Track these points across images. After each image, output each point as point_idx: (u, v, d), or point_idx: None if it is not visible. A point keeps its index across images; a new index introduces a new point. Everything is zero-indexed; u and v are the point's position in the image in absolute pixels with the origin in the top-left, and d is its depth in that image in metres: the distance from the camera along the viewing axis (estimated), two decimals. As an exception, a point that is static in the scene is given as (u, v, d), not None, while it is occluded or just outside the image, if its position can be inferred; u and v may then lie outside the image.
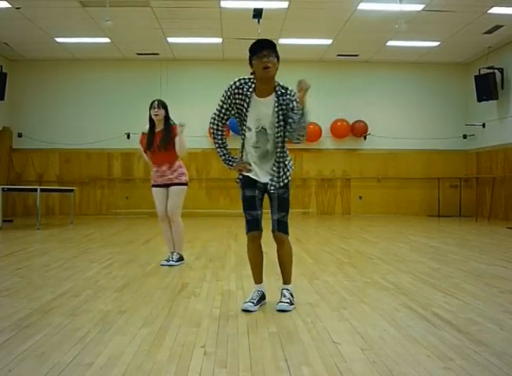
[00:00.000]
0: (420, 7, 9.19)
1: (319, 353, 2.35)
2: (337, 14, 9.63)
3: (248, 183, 3.28)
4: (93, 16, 9.52)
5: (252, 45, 3.09)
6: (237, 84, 3.15)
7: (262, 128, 3.15)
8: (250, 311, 3.14)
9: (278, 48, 3.13)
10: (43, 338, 2.55)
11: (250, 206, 3.28)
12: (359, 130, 12.83)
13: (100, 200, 12.64)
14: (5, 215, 10.10)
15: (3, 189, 8.96)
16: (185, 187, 5.06)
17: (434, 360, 2.25)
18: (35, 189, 9.11)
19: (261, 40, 3.10)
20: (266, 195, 3.32)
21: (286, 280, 3.36)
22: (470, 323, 2.86)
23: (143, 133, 5.03)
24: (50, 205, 12.57)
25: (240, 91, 3.13)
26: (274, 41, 3.16)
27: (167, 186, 5.00)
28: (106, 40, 11.17)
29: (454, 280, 4.12)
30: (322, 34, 10.96)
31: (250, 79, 3.17)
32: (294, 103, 3.11)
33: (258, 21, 9.78)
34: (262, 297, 3.31)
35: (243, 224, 3.34)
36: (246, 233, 3.33)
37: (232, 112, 3.21)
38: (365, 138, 12.95)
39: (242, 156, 3.29)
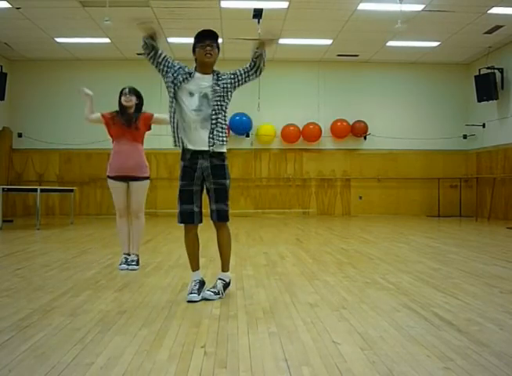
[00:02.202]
0: (420, 7, 9.19)
1: (319, 353, 2.35)
2: (337, 14, 9.63)
3: (188, 175, 3.45)
4: (93, 16, 9.52)
5: (197, 34, 3.44)
6: (181, 63, 3.49)
7: (205, 94, 3.42)
8: (195, 301, 3.33)
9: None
10: (43, 338, 2.55)
11: (188, 199, 3.45)
12: (359, 130, 12.84)
13: (100, 200, 12.64)
14: (5, 215, 10.10)
15: (3, 189, 8.96)
16: (149, 181, 4.79)
17: (434, 360, 2.25)
18: (35, 190, 9.11)
19: (205, 30, 3.45)
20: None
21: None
22: (470, 323, 2.86)
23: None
24: (50, 205, 12.57)
25: (184, 67, 3.47)
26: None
27: (127, 178, 4.64)
28: (106, 40, 11.18)
29: (454, 280, 4.12)
30: (322, 34, 10.96)
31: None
32: (232, 76, 3.51)
33: (258, 21, 9.78)
34: (202, 284, 3.53)
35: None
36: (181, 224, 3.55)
37: (170, 74, 3.43)
38: (365, 138, 12.95)
39: (174, 126, 3.44)
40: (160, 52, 3.44)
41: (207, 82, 3.44)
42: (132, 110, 4.68)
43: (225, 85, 3.46)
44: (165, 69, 3.45)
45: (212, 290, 3.48)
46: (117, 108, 4.74)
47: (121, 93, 4.69)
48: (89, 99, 4.82)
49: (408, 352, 2.36)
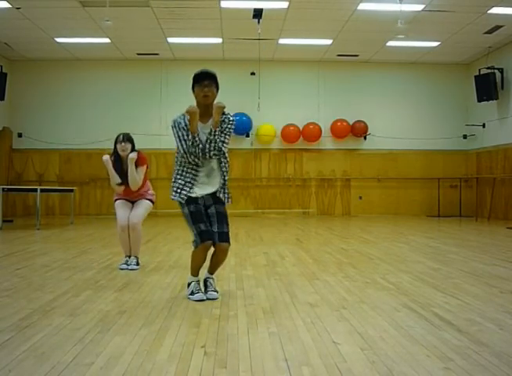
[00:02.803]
0: (420, 7, 9.20)
1: (319, 353, 2.35)
2: (337, 14, 9.63)
3: (191, 200, 3.49)
4: (93, 16, 9.52)
5: (196, 75, 3.45)
6: (179, 119, 3.47)
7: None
8: (203, 300, 3.40)
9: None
10: (43, 338, 2.55)
11: (199, 218, 3.47)
12: (359, 130, 12.84)
13: (100, 200, 12.64)
14: (5, 215, 10.10)
15: (3, 189, 8.96)
16: (152, 204, 5.03)
17: (434, 360, 2.25)
18: (35, 190, 9.12)
19: (204, 71, 3.46)
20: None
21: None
22: (470, 323, 2.86)
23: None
24: (50, 205, 12.57)
25: (184, 121, 3.44)
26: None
27: (133, 200, 4.93)
28: (106, 40, 11.18)
29: (454, 280, 4.12)
30: (322, 34, 10.96)
31: (183, 115, 3.49)
32: (229, 130, 3.51)
33: (258, 21, 9.78)
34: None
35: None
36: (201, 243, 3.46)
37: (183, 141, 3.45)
38: (365, 138, 12.95)
39: (181, 179, 3.50)
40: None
41: (204, 137, 3.45)
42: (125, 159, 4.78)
43: (219, 138, 3.46)
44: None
45: (212, 289, 3.55)
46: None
47: (116, 141, 4.78)
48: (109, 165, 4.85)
49: (408, 352, 2.36)
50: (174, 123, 3.48)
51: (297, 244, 6.85)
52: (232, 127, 3.53)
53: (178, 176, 3.52)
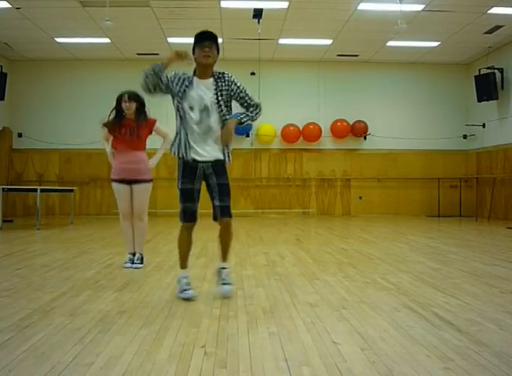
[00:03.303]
0: (420, 7, 9.20)
1: (319, 353, 2.35)
2: (337, 14, 9.63)
3: (189, 173, 3.44)
4: (93, 16, 9.52)
5: (197, 35, 3.41)
6: (177, 72, 3.46)
7: (205, 105, 3.41)
8: (194, 296, 3.39)
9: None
10: (43, 338, 2.55)
11: (190, 197, 3.46)
12: (359, 130, 12.84)
13: (100, 200, 12.64)
14: (5, 215, 10.10)
15: (3, 189, 8.96)
16: (151, 184, 4.80)
17: (434, 360, 2.25)
18: (35, 190, 9.11)
19: (204, 31, 3.42)
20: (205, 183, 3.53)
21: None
22: (470, 323, 2.86)
23: (105, 124, 4.70)
24: (50, 205, 12.57)
25: (182, 75, 3.44)
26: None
27: (130, 182, 4.68)
28: (106, 40, 11.18)
29: (454, 280, 4.12)
30: (322, 34, 10.96)
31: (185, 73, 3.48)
32: (233, 86, 3.45)
33: (258, 21, 9.78)
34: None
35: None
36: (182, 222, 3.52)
37: (173, 87, 3.42)
38: (365, 138, 12.95)
39: (179, 136, 3.45)
40: (163, 78, 3.41)
41: (207, 93, 3.41)
42: (133, 117, 4.63)
43: (223, 93, 3.43)
44: (169, 86, 3.43)
45: (225, 282, 3.55)
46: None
47: (120, 99, 4.57)
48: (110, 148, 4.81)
49: (408, 352, 2.36)
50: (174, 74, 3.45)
51: (297, 244, 6.85)
52: (238, 82, 3.49)
53: (176, 135, 3.49)
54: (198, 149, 3.41)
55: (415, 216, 12.65)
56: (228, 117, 3.45)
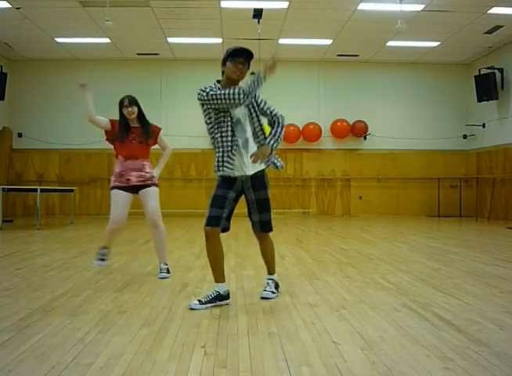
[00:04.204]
0: (420, 7, 9.20)
1: (319, 353, 2.35)
2: (337, 14, 9.63)
3: (226, 183, 3.39)
4: (93, 16, 9.52)
5: (234, 49, 3.31)
6: (207, 89, 3.31)
7: (237, 119, 3.35)
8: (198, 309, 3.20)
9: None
10: (43, 338, 2.55)
11: (220, 204, 3.37)
12: (359, 130, 12.84)
13: (100, 200, 12.63)
14: (5, 215, 10.10)
15: (3, 189, 8.96)
16: (158, 189, 4.57)
17: (434, 360, 2.25)
18: (35, 190, 9.12)
19: (244, 48, 3.32)
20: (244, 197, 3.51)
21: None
22: (470, 323, 2.86)
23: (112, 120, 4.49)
24: (50, 205, 12.58)
25: (212, 92, 3.28)
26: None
27: (135, 188, 4.43)
28: (106, 40, 11.18)
29: (454, 280, 4.12)
30: (322, 34, 10.96)
31: (214, 84, 3.35)
32: (256, 99, 3.43)
33: (258, 21, 9.78)
34: (218, 298, 3.32)
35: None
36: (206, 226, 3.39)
37: (211, 114, 3.33)
38: (365, 138, 12.95)
39: (222, 154, 3.33)
40: None
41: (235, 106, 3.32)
42: (136, 122, 4.48)
43: (249, 106, 3.37)
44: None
45: (269, 289, 3.53)
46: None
47: (121, 105, 4.42)
48: (89, 95, 4.41)
49: (408, 352, 2.36)
50: (205, 93, 3.30)
51: (297, 244, 6.85)
52: (258, 96, 3.45)
53: (217, 149, 3.36)
54: (237, 163, 3.35)
55: (415, 216, 12.65)
56: (260, 129, 3.41)
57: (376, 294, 3.65)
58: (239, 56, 3.29)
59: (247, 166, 3.39)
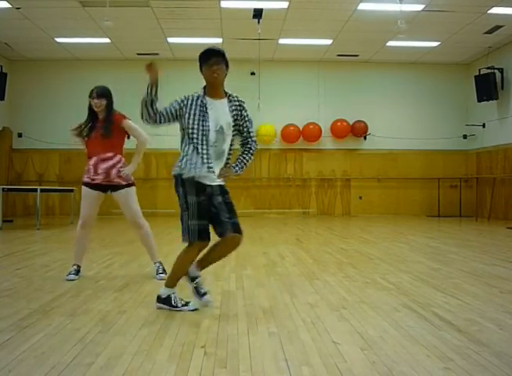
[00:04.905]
0: (420, 7, 9.20)
1: (319, 353, 2.35)
2: (337, 14, 9.63)
3: (197, 188, 3.17)
4: (93, 16, 9.52)
5: (202, 54, 3.22)
6: (186, 95, 3.27)
7: (221, 127, 3.23)
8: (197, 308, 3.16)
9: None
10: (43, 338, 2.55)
11: (204, 214, 3.15)
12: (359, 130, 12.84)
13: (100, 200, 12.62)
14: (5, 215, 10.10)
15: (3, 189, 8.96)
16: (134, 188, 4.30)
17: (434, 360, 2.25)
18: (35, 190, 9.12)
19: (210, 49, 3.22)
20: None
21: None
22: (470, 323, 2.86)
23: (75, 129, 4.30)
24: (50, 205, 12.58)
25: (192, 97, 3.24)
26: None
27: (106, 188, 4.21)
28: (106, 40, 11.18)
29: (454, 280, 4.12)
30: (322, 34, 10.96)
31: (196, 92, 3.28)
32: (243, 111, 3.32)
33: (258, 21, 9.78)
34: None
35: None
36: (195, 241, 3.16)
37: (190, 113, 3.20)
38: (365, 138, 12.95)
39: (189, 157, 3.18)
40: (161, 109, 3.18)
41: (222, 114, 3.23)
42: (103, 115, 4.18)
43: (235, 116, 3.28)
44: (183, 111, 3.22)
45: (205, 291, 3.32)
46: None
47: (90, 96, 4.16)
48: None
49: (408, 352, 2.36)
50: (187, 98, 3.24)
51: (297, 244, 6.85)
52: (246, 109, 3.35)
53: (186, 154, 3.19)
54: (205, 171, 3.17)
55: (415, 216, 12.65)
56: (232, 146, 3.29)
57: (376, 294, 3.65)
58: (209, 58, 3.20)
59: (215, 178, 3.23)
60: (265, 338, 2.60)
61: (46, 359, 2.24)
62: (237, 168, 3.29)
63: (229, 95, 3.33)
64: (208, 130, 3.18)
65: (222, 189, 3.27)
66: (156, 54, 12.38)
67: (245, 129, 3.34)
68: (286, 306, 3.28)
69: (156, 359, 2.28)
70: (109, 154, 4.17)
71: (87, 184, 4.20)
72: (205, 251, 3.26)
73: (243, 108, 3.34)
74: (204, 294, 3.28)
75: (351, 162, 13.09)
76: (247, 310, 3.18)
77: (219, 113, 3.23)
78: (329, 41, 11.43)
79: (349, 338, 2.59)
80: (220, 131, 3.22)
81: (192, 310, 3.16)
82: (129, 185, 4.25)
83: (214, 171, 3.18)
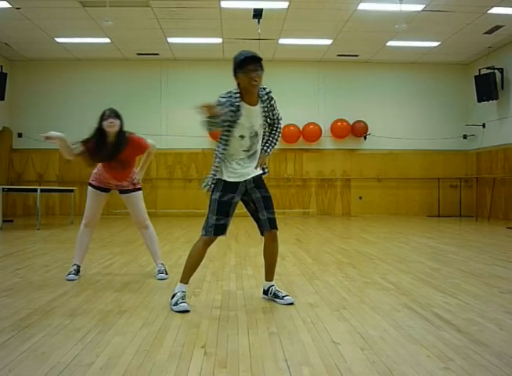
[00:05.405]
0: (420, 7, 9.20)
1: (319, 353, 2.35)
2: (337, 14, 9.63)
3: (230, 188, 3.23)
4: (93, 16, 9.52)
5: (240, 60, 3.13)
6: (227, 95, 3.19)
7: (255, 132, 3.26)
8: (188, 311, 3.11)
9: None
10: (43, 338, 2.55)
11: (225, 211, 3.22)
12: (359, 130, 12.84)
13: (100, 200, 12.62)
14: (5, 215, 10.10)
15: (3, 189, 8.96)
16: (141, 192, 4.44)
17: (434, 360, 2.25)
18: (35, 190, 9.11)
19: (249, 56, 3.13)
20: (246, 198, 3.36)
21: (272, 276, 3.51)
22: (470, 323, 2.86)
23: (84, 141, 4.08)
24: (50, 205, 12.58)
25: (228, 101, 3.15)
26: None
27: (117, 189, 4.34)
28: (106, 40, 11.18)
29: (454, 280, 4.12)
30: (322, 34, 10.96)
31: (233, 92, 3.21)
32: (271, 101, 3.33)
33: (258, 21, 9.78)
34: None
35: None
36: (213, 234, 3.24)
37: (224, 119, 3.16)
38: (365, 138, 12.95)
39: (221, 163, 3.23)
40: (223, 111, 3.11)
41: (257, 120, 3.24)
42: (114, 137, 4.08)
43: (265, 109, 3.29)
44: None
45: (284, 294, 3.40)
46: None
47: (102, 117, 4.04)
48: (60, 142, 4.16)
49: (408, 352, 2.36)
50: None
51: (297, 244, 6.85)
52: (274, 98, 3.35)
53: (219, 158, 3.22)
54: (241, 171, 3.25)
55: (415, 216, 12.65)
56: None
57: (376, 294, 3.65)
58: (247, 64, 3.12)
59: (251, 170, 3.31)
60: (265, 338, 2.60)
61: (46, 359, 2.24)
62: (268, 150, 3.40)
63: (261, 96, 3.27)
64: (242, 136, 3.21)
65: (257, 182, 3.33)
66: (157, 54, 12.38)
67: (274, 117, 3.39)
68: (286, 306, 3.28)
69: (156, 359, 2.28)
70: (129, 177, 4.31)
71: (96, 187, 4.28)
72: (263, 263, 3.45)
73: (271, 98, 3.33)
74: (284, 296, 3.37)
75: (351, 162, 13.09)
76: (247, 310, 3.18)
77: (254, 119, 3.23)
78: (329, 41, 11.43)
79: (349, 338, 2.59)
80: (254, 135, 3.26)
81: (181, 311, 3.11)
82: (138, 189, 4.39)
83: (241, 172, 3.25)
